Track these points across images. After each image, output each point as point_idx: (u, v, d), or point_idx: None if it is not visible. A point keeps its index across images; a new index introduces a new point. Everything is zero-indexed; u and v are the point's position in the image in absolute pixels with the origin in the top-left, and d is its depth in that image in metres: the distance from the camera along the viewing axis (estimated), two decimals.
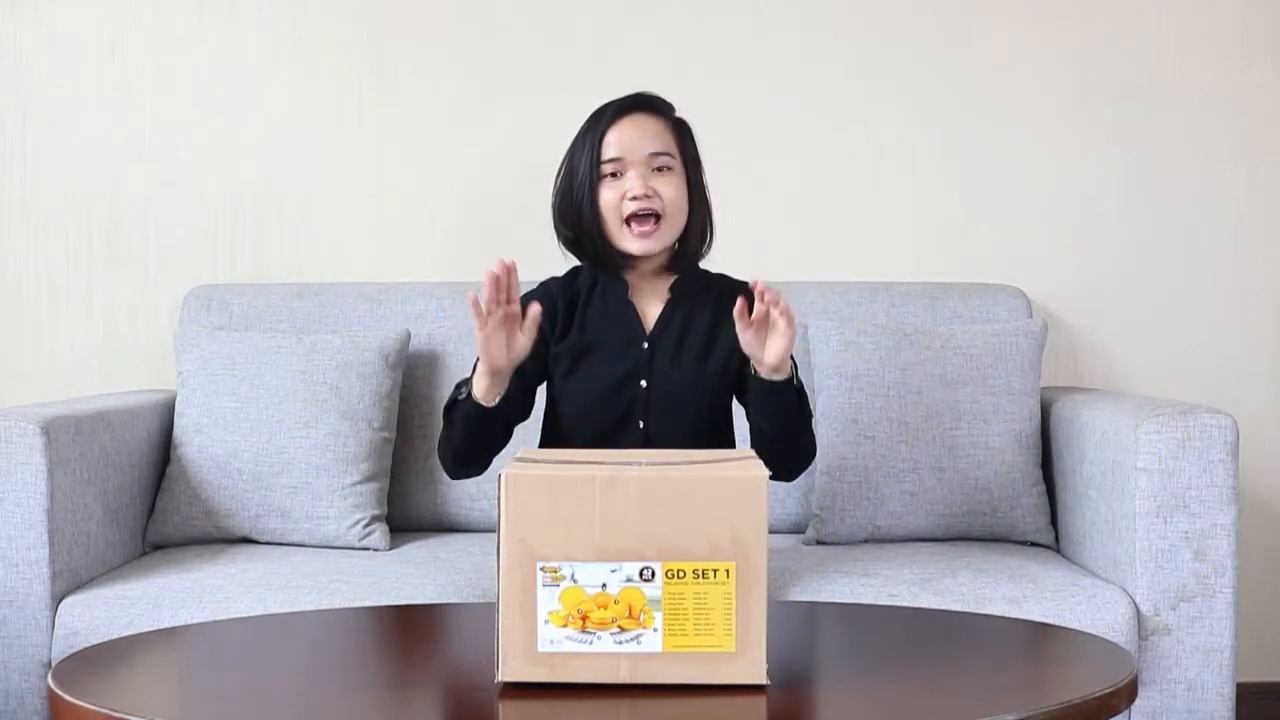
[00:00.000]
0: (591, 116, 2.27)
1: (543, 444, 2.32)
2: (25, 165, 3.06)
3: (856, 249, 3.11)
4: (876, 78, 3.11)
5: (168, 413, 2.76)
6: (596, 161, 2.21)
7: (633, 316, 2.29)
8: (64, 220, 3.06)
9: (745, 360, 2.18)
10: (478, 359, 2.09)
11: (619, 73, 3.03)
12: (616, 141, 2.22)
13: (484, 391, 2.10)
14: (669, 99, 2.35)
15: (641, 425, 2.25)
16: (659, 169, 2.22)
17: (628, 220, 2.22)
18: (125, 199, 3.06)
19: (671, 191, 2.22)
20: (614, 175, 2.22)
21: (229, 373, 2.70)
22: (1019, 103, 3.12)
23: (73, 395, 2.94)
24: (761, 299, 1.96)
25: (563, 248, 2.33)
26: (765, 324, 2.04)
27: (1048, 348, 2.97)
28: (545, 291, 2.32)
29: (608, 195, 2.22)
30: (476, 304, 2.01)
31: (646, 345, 2.27)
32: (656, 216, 2.22)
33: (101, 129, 3.06)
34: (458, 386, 2.18)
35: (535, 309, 2.05)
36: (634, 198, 2.20)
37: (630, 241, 2.23)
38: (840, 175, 3.11)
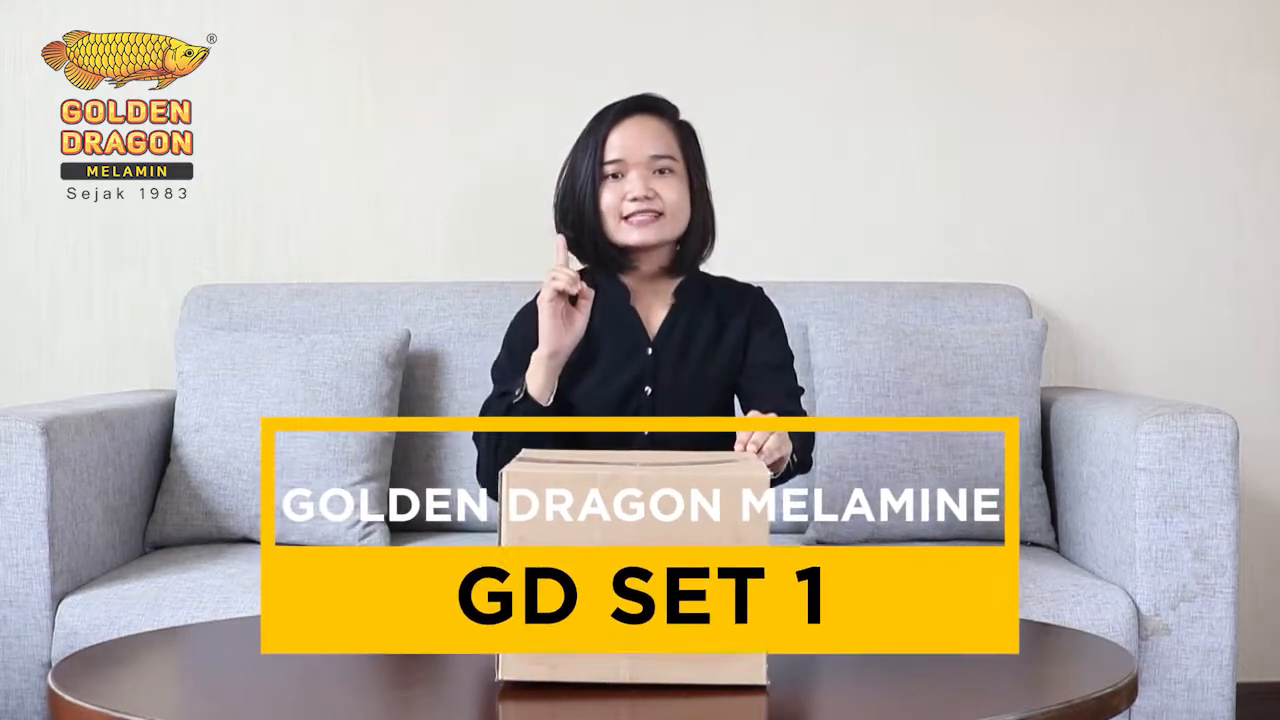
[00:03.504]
0: (595, 117, 2.25)
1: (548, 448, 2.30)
2: (25, 165, 3.06)
3: (856, 249, 3.11)
4: (876, 77, 3.11)
5: (168, 413, 2.75)
6: (599, 162, 2.20)
7: (636, 323, 2.27)
8: (64, 220, 3.06)
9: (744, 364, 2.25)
10: (518, 358, 2.10)
11: (619, 73, 3.03)
12: (619, 143, 2.20)
13: (540, 388, 2.13)
14: (670, 99, 2.34)
15: (646, 432, 2.22)
16: (660, 171, 2.21)
17: (626, 217, 2.21)
18: (125, 199, 3.06)
19: (672, 194, 2.20)
20: (615, 176, 2.20)
21: (229, 373, 2.70)
22: (1019, 102, 3.12)
23: (73, 395, 2.93)
24: (744, 447, 1.93)
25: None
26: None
27: (1048, 348, 2.97)
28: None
29: (608, 197, 2.20)
30: (566, 262, 2.15)
31: (651, 351, 2.26)
32: (658, 214, 2.20)
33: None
34: (499, 396, 2.18)
35: (589, 291, 2.15)
36: (634, 199, 2.19)
37: (629, 233, 2.20)
38: (840, 175, 3.11)
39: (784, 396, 2.23)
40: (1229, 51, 3.12)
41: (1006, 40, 3.11)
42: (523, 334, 2.23)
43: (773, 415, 1.95)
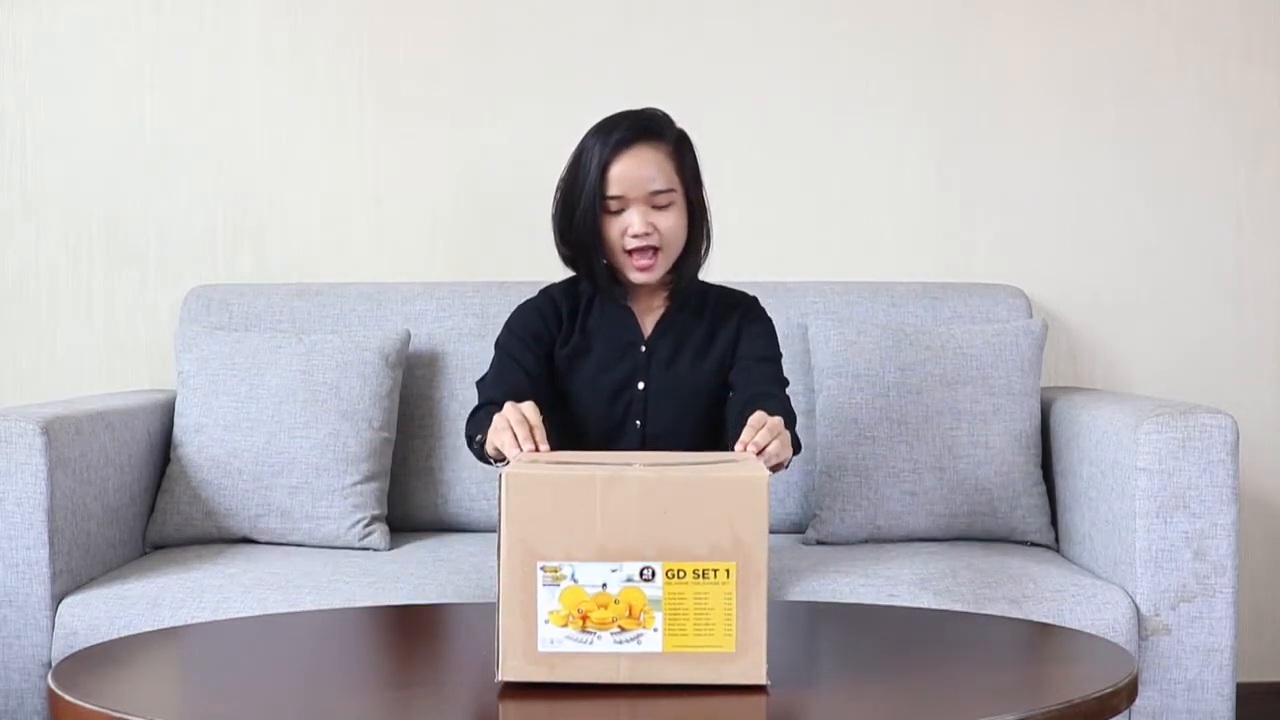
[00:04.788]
0: (595, 137, 2.26)
1: None
2: (25, 165, 3.06)
3: (856, 249, 3.11)
4: (876, 78, 3.11)
5: (168, 413, 2.75)
6: (600, 195, 2.23)
7: (631, 321, 2.33)
8: (64, 220, 3.06)
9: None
10: (494, 417, 2.00)
11: (618, 72, 3.04)
12: (619, 178, 2.23)
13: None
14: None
15: (639, 425, 2.30)
16: (659, 206, 2.25)
17: (628, 251, 2.26)
18: (125, 199, 3.06)
19: (670, 223, 2.25)
20: (617, 212, 2.25)
21: (229, 373, 2.70)
22: (1019, 103, 3.12)
23: (73, 395, 2.93)
24: (744, 448, 1.94)
25: (562, 262, 2.35)
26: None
27: (1048, 348, 2.97)
28: (548, 298, 2.35)
29: (610, 230, 2.25)
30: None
31: (644, 349, 2.32)
32: (656, 249, 2.26)
33: (101, 129, 3.06)
34: (477, 414, 2.20)
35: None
36: (635, 235, 2.24)
37: (631, 273, 2.27)
38: (840, 175, 3.11)
39: (767, 382, 2.27)
40: (1229, 51, 3.12)
41: (1007, 40, 3.11)
42: (523, 322, 2.33)
43: (771, 414, 1.96)
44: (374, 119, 3.08)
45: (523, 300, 2.38)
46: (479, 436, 2.10)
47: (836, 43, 3.10)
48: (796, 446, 2.20)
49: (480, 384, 2.29)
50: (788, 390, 2.29)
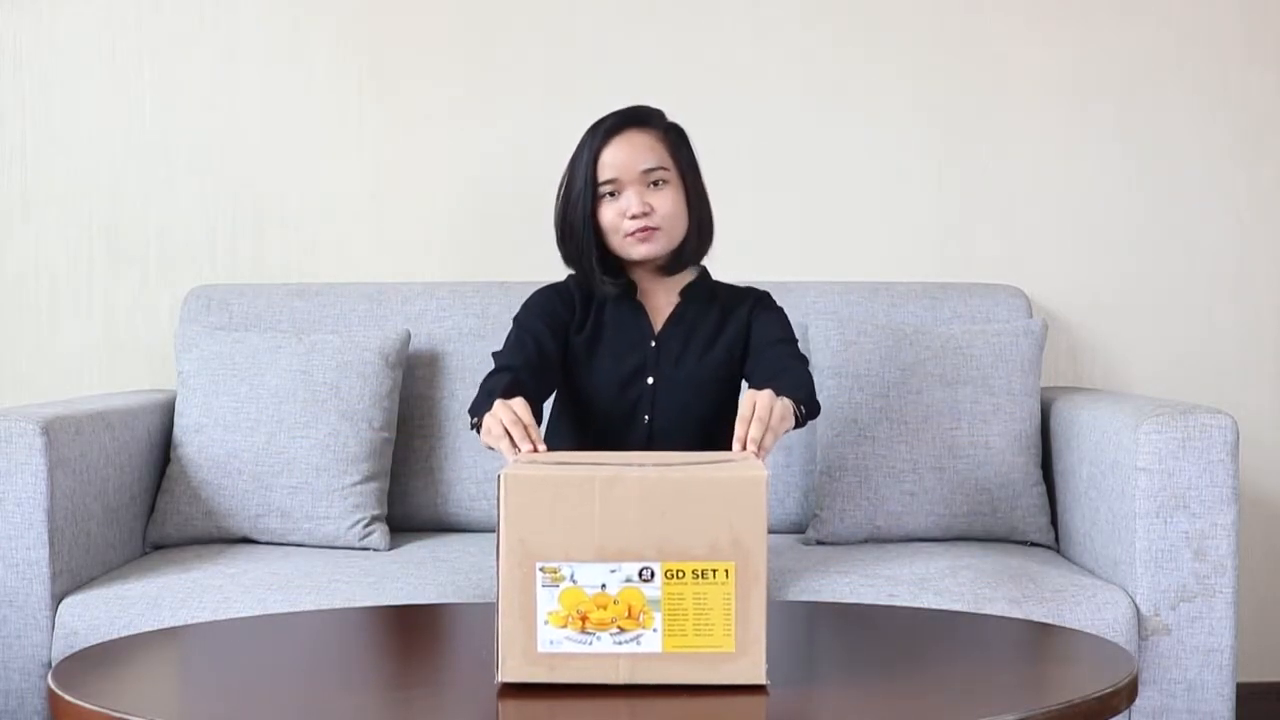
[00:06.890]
0: (587, 132, 2.31)
1: (549, 436, 2.35)
2: (25, 165, 3.06)
3: (856, 249, 3.11)
4: (876, 78, 3.11)
5: (168, 413, 2.75)
6: (593, 183, 2.26)
7: (642, 316, 2.36)
8: (64, 220, 3.06)
9: (746, 353, 2.35)
10: (494, 404, 2.00)
11: (619, 72, 3.04)
12: (611, 161, 2.26)
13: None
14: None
15: (647, 420, 2.32)
16: (654, 184, 2.28)
17: (628, 234, 2.28)
18: (125, 199, 3.06)
19: (668, 204, 2.28)
20: (612, 195, 2.28)
21: (229, 373, 2.70)
22: (1019, 102, 3.12)
23: (73, 395, 2.93)
24: (743, 446, 1.94)
25: (565, 264, 2.38)
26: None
27: (1048, 348, 2.97)
28: (565, 285, 2.38)
29: (607, 215, 2.28)
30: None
31: (654, 343, 2.34)
32: (655, 229, 2.28)
33: (101, 129, 3.06)
34: (486, 384, 2.20)
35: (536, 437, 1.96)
36: (632, 216, 2.26)
37: (632, 248, 2.29)
38: (840, 175, 3.11)
39: (783, 359, 2.29)
40: (1229, 51, 3.12)
41: (1007, 40, 3.11)
42: (541, 301, 2.35)
43: (766, 391, 1.97)
44: (374, 119, 3.08)
45: (528, 295, 2.39)
46: (475, 420, 2.10)
47: (836, 43, 3.10)
48: (815, 409, 2.24)
49: (496, 355, 2.30)
50: (809, 368, 2.30)
